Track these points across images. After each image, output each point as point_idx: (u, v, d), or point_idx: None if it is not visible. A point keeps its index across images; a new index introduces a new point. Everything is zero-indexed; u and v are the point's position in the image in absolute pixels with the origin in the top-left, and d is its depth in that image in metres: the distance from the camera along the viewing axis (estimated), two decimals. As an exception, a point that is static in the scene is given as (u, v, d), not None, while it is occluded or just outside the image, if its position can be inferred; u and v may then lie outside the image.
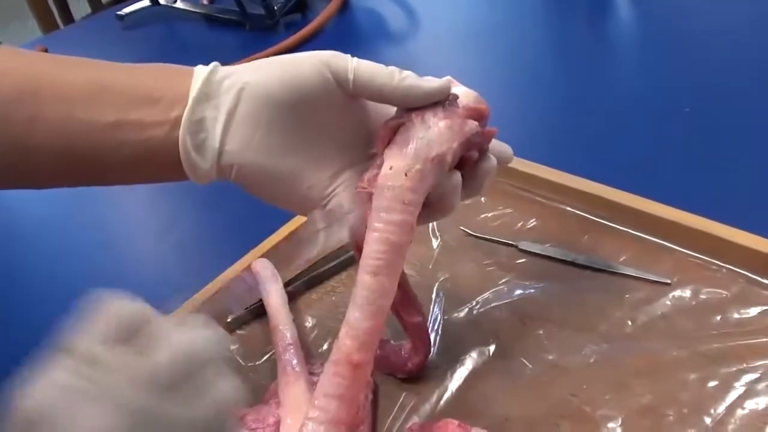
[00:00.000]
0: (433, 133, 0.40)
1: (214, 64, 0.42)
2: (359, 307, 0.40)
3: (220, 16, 1.15)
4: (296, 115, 0.41)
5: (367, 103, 0.44)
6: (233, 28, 1.12)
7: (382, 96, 0.41)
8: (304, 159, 0.42)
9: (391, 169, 0.40)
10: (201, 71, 0.41)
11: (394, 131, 0.41)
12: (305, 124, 0.41)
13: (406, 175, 0.39)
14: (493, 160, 0.43)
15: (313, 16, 1.05)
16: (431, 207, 0.42)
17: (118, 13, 1.22)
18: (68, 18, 2.07)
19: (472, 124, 0.41)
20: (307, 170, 0.42)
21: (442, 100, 0.41)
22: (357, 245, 0.42)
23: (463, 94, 0.42)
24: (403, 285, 0.46)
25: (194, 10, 1.18)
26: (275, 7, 1.07)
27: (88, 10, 2.12)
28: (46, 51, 1.18)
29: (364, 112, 0.44)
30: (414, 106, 0.41)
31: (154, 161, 0.41)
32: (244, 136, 0.40)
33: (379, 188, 0.40)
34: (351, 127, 0.43)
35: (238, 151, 0.40)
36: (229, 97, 0.40)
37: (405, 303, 0.47)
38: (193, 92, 0.40)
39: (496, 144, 0.45)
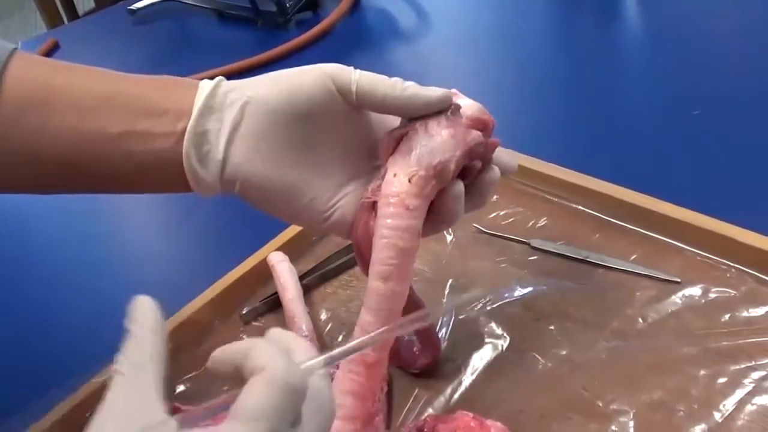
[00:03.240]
0: (436, 142, 0.40)
1: (218, 78, 0.43)
2: (371, 311, 0.41)
3: (231, 12, 1.15)
4: (300, 127, 0.41)
5: (370, 116, 0.44)
6: (245, 25, 1.12)
7: (385, 105, 0.42)
8: (308, 171, 0.42)
9: (394, 176, 0.40)
10: (206, 85, 0.42)
11: (397, 141, 0.42)
12: (309, 137, 0.42)
13: (409, 181, 0.40)
14: (497, 171, 0.44)
15: (325, 15, 1.06)
16: (435, 216, 0.42)
17: (130, 8, 1.23)
18: (72, 12, 2.08)
19: (476, 134, 0.41)
20: (311, 182, 0.42)
21: (444, 110, 0.42)
22: (360, 254, 0.43)
23: (468, 105, 0.43)
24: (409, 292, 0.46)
25: (206, 6, 1.18)
26: (287, 5, 1.08)
27: (92, 4, 2.13)
28: (56, 44, 1.19)
29: (368, 124, 0.44)
30: (416, 115, 0.42)
31: (159, 172, 0.42)
32: (247, 148, 0.41)
33: (383, 195, 0.40)
34: (355, 139, 0.44)
35: (241, 164, 0.41)
36: (234, 110, 0.41)
37: (409, 310, 0.48)
38: (197, 105, 0.41)
39: (502, 154, 0.45)
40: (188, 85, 0.42)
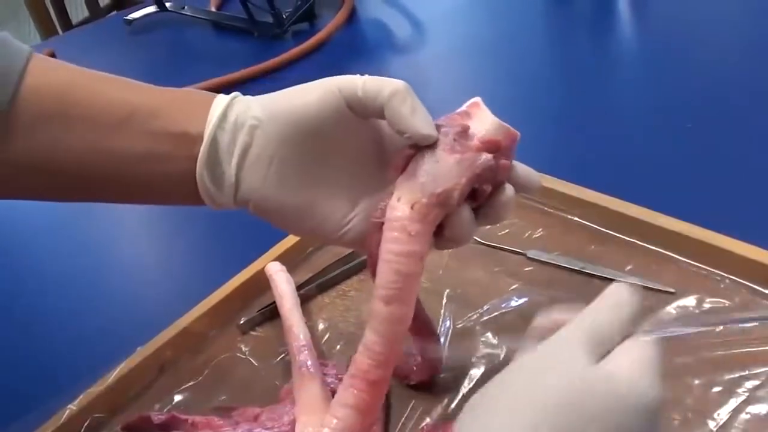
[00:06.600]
0: (441, 168, 0.39)
1: (232, 95, 0.43)
2: (375, 332, 0.41)
3: (228, 23, 1.16)
4: (309, 147, 0.41)
5: (381, 130, 0.44)
6: (241, 36, 1.13)
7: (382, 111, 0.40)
8: (319, 192, 0.42)
9: (399, 200, 0.40)
10: (219, 103, 0.42)
11: (408, 160, 0.41)
12: (319, 156, 0.42)
13: (412, 207, 0.39)
14: (509, 194, 0.42)
15: (321, 26, 1.07)
16: (445, 237, 0.42)
17: (126, 18, 1.23)
18: (66, 22, 2.08)
19: (485, 159, 0.40)
20: (322, 202, 0.43)
21: (453, 132, 0.40)
22: (374, 271, 0.42)
23: (481, 124, 0.41)
24: (417, 312, 0.45)
25: (202, 17, 1.19)
26: (284, 16, 1.08)
27: (86, 14, 2.13)
28: (53, 55, 1.20)
29: (380, 135, 0.44)
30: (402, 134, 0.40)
31: (177, 190, 0.43)
32: (258, 173, 0.41)
33: (387, 219, 0.40)
34: (366, 154, 0.44)
35: (253, 188, 0.42)
36: (242, 135, 0.41)
37: (417, 328, 0.47)
38: (208, 128, 0.41)
39: (523, 172, 0.43)
40: (205, 103, 0.42)
